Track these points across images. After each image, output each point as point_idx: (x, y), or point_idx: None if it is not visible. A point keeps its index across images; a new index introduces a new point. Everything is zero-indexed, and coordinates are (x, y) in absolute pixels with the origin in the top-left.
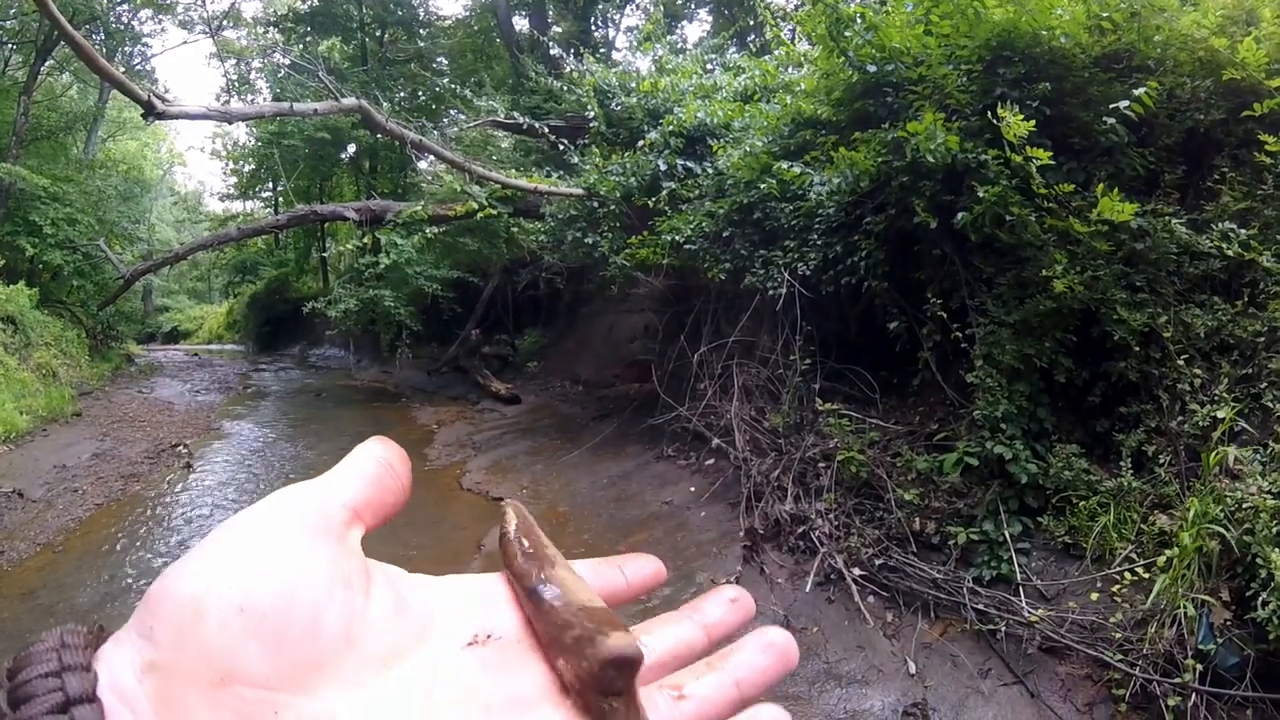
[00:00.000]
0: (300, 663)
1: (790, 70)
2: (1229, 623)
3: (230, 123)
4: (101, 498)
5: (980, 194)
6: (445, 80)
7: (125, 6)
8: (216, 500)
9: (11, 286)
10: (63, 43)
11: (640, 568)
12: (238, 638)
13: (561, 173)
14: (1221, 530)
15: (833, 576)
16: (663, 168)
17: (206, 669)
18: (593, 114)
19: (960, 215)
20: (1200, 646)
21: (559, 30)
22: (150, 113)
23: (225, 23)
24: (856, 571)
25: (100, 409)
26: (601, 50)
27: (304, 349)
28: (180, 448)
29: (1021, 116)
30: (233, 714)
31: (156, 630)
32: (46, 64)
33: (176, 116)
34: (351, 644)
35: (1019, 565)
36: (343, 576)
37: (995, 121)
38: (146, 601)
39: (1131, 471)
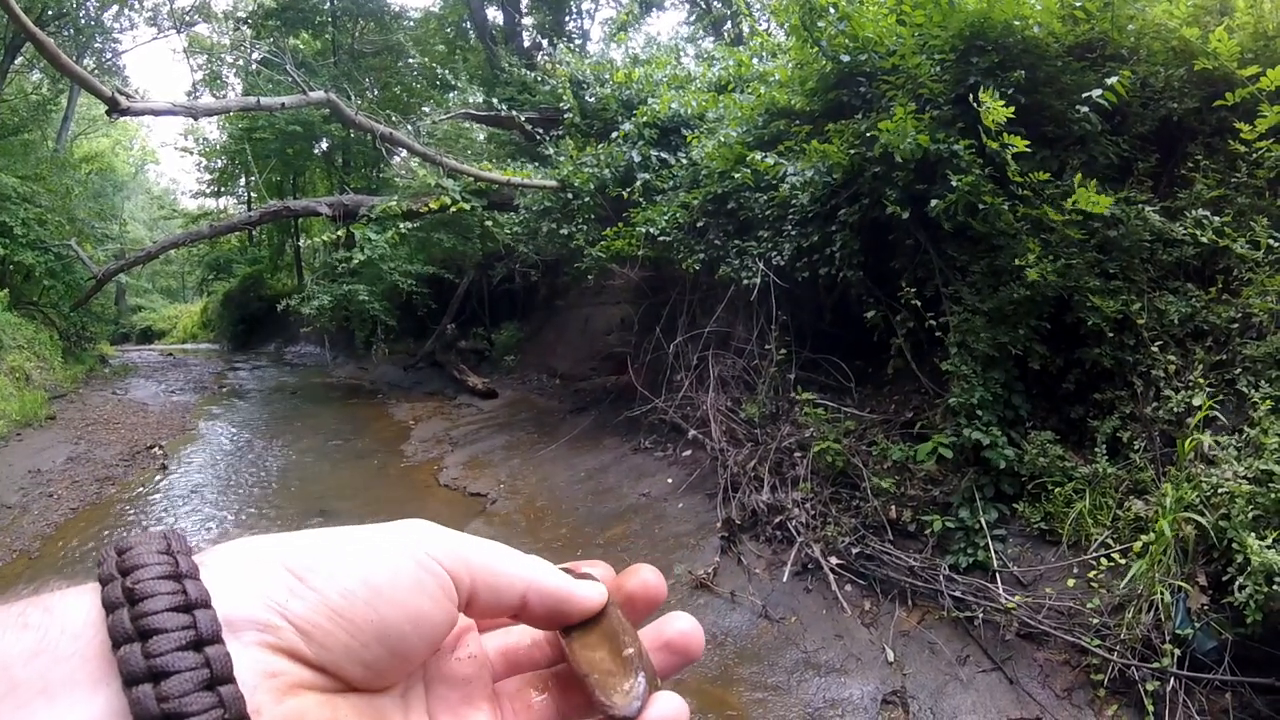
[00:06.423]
0: None
1: (765, 60)
2: (1206, 607)
3: (196, 118)
4: (77, 502)
5: (954, 183)
6: (416, 73)
7: (94, 2)
8: (192, 501)
9: None
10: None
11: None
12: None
13: (536, 164)
14: (1197, 516)
15: (810, 566)
16: (637, 159)
17: None
18: (567, 105)
19: (933, 203)
20: (1178, 631)
21: (532, 21)
22: (114, 109)
23: (194, 18)
24: (833, 560)
25: (74, 412)
26: (576, 41)
27: (279, 347)
28: (155, 449)
29: (1002, 102)
30: None
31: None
32: (16, 61)
33: (141, 113)
34: None
35: (995, 552)
36: None
37: (976, 106)
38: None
39: (1107, 458)
